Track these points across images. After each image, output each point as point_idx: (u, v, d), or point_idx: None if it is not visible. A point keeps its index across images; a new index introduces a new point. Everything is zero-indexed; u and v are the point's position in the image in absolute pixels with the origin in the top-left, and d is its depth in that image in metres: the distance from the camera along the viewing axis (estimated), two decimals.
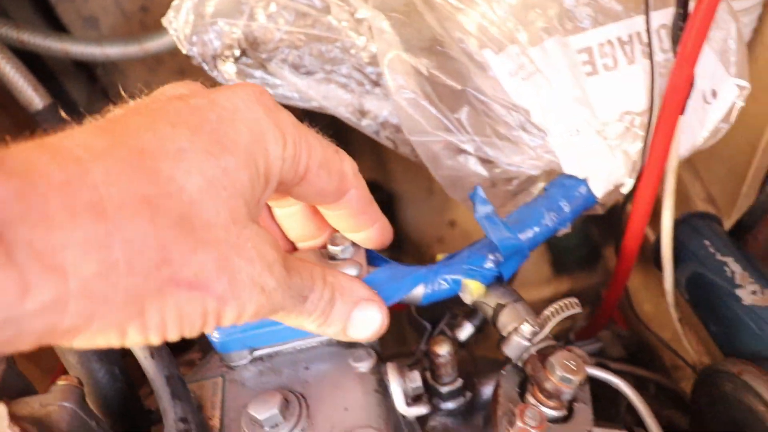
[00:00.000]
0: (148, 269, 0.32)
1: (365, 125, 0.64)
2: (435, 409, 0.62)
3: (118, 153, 0.32)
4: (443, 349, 0.58)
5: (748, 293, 0.58)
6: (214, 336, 0.50)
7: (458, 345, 0.65)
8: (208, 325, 0.36)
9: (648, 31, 0.49)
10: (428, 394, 0.63)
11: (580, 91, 0.53)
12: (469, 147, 0.57)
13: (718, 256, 0.61)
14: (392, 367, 0.50)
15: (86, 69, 1.06)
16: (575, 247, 1.10)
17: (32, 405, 0.45)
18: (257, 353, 0.53)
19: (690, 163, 0.85)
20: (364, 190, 0.48)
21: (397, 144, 0.64)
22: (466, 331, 0.64)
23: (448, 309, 0.68)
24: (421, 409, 0.49)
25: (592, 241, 1.12)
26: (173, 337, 0.36)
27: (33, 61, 0.80)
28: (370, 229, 0.50)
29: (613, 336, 0.82)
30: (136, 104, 0.38)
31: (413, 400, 0.52)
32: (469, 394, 0.61)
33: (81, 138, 0.32)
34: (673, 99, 0.51)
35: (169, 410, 0.48)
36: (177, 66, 1.02)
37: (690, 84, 0.50)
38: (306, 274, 0.42)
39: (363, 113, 0.63)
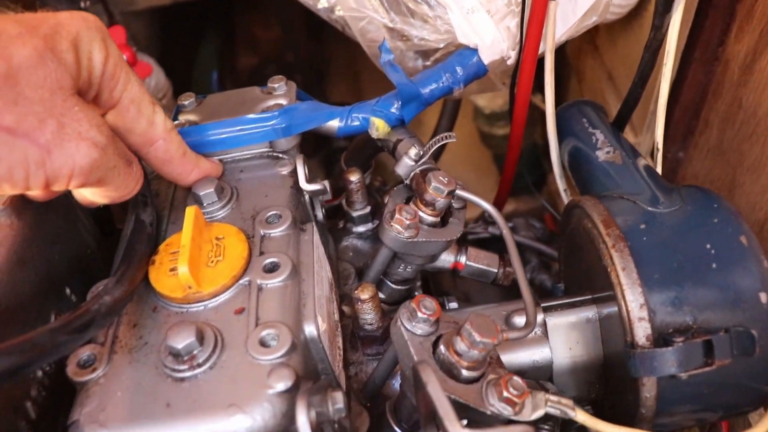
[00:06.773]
0: None
1: (320, 8, 0.79)
2: (348, 232, 0.77)
3: None
4: (354, 176, 0.73)
5: (603, 153, 0.71)
6: None
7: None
8: (33, 176, 0.41)
9: None
10: (343, 219, 0.78)
11: None
12: (387, 22, 0.72)
13: (590, 130, 0.75)
14: (300, 159, 0.65)
15: None
16: (523, 174, 1.23)
17: None
18: None
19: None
20: (173, 144, 0.55)
21: (342, 25, 0.79)
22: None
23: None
24: (316, 186, 0.63)
25: (539, 168, 1.25)
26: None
27: None
28: (185, 178, 0.59)
29: (527, 224, 0.96)
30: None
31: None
32: (376, 221, 0.76)
33: None
34: None
35: None
36: None
37: None
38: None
39: None
